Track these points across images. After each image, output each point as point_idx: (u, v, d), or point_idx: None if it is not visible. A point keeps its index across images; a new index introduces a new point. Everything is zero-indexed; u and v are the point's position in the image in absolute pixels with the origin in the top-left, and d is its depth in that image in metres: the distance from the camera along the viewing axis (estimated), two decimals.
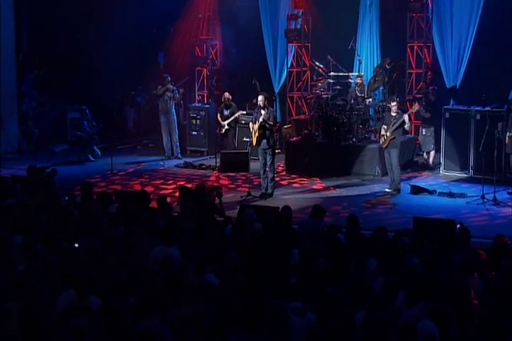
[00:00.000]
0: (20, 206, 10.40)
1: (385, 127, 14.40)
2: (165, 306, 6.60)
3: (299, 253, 8.47)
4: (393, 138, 14.29)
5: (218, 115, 17.28)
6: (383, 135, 14.43)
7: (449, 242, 9.39)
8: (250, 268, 8.00)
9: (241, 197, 13.97)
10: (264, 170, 14.22)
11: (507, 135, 14.12)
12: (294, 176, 15.90)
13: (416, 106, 15.31)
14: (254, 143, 14.32)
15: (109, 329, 5.97)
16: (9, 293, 6.58)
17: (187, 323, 6.27)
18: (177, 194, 13.22)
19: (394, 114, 14.42)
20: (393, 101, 14.67)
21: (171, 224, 9.46)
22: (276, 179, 14.79)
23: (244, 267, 8.03)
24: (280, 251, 8.49)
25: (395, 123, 14.23)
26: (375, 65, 18.06)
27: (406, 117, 14.38)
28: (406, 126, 14.47)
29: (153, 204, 11.41)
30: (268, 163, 14.16)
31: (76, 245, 8.74)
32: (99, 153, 17.78)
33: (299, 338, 6.15)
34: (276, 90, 18.85)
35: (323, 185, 15.23)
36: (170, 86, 17.72)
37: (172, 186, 14.96)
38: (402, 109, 15.14)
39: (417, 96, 17.08)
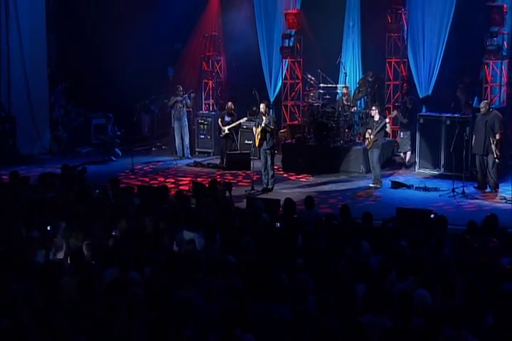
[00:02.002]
0: (61, 198, 10.61)
1: (369, 131, 14.43)
2: (196, 280, 6.81)
3: (302, 238, 8.70)
4: (376, 140, 14.37)
5: (219, 120, 17.15)
6: (367, 138, 14.47)
7: (427, 227, 9.68)
8: (262, 249, 8.18)
9: (245, 191, 14.01)
10: (265, 168, 14.25)
11: (473, 137, 14.07)
12: (290, 173, 15.90)
13: (394, 113, 15.43)
14: (256, 145, 14.36)
15: (151, 300, 6.17)
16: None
17: (215, 294, 6.45)
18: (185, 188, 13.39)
19: (376, 119, 14.49)
20: (374, 108, 14.76)
21: (193, 213, 9.69)
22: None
23: (257, 249, 8.24)
24: (288, 236, 8.68)
25: (377, 127, 14.31)
26: (359, 77, 18.06)
27: (387, 120, 14.56)
28: (387, 129, 14.63)
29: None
30: (268, 162, 14.22)
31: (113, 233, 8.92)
32: (120, 154, 17.80)
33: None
34: (272, 99, 18.70)
35: (315, 180, 15.24)
36: (179, 97, 17.74)
37: (185, 182, 14.97)
38: (383, 115, 15.22)
39: (396, 104, 17.11)
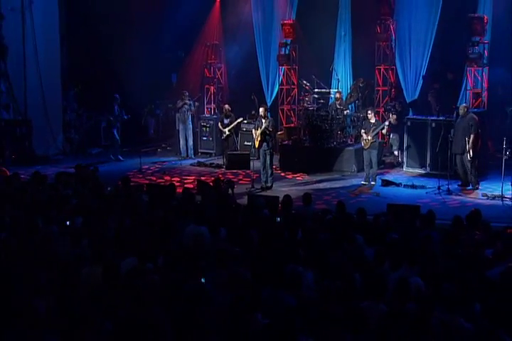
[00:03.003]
0: (77, 195, 10.68)
1: (365, 132, 14.48)
2: (206, 269, 6.89)
3: (301, 231, 8.76)
4: (374, 141, 14.43)
5: (219, 124, 17.18)
6: (365, 139, 14.46)
7: (416, 221, 9.77)
8: (266, 242, 8.27)
9: (246, 189, 14.07)
10: (264, 167, 14.31)
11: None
12: (287, 172, 15.98)
13: (394, 116, 15.56)
14: (256, 146, 14.42)
15: (165, 287, 6.25)
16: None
17: (225, 281, 6.53)
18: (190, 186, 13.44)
19: (373, 121, 14.53)
20: (370, 111, 14.82)
21: (199, 208, 9.76)
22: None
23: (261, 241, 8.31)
24: (288, 229, 8.77)
25: (375, 129, 14.36)
26: (350, 83, 18.14)
27: (386, 123, 14.66)
28: (384, 131, 14.72)
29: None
30: (267, 162, 14.29)
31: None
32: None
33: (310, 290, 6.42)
34: (269, 104, 18.70)
35: (310, 179, 15.31)
36: (187, 101, 17.78)
37: (190, 180, 15.04)
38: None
39: (388, 108, 17.15)
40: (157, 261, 7.27)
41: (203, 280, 6.46)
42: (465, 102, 15.54)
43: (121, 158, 17.66)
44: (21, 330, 4.96)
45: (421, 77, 17.39)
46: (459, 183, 14.13)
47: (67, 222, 8.29)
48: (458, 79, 16.95)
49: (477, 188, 13.88)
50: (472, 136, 13.68)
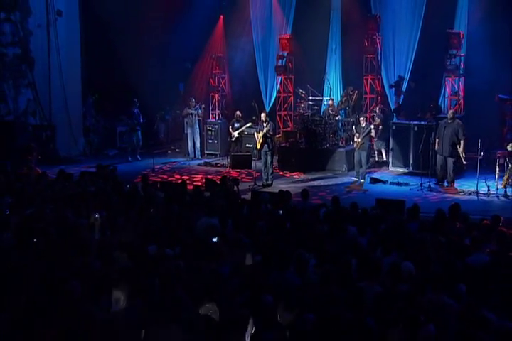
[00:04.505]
0: (99, 191, 10.80)
1: (357, 135, 14.59)
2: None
3: (302, 223, 8.89)
4: (363, 143, 14.53)
5: (230, 127, 17.23)
6: (356, 141, 14.59)
7: (402, 214, 9.93)
8: (271, 231, 8.40)
9: (249, 186, 14.13)
10: (265, 167, 14.42)
11: (437, 140, 14.13)
12: (285, 171, 16.05)
13: (377, 120, 15.70)
14: (258, 148, 14.53)
15: (184, 270, 6.39)
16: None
17: (237, 264, 6.68)
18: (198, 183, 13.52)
19: (363, 126, 14.65)
20: (362, 117, 15.01)
21: (210, 202, 9.90)
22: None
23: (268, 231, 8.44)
24: (290, 220, 8.90)
25: (363, 132, 14.52)
26: (341, 91, 18.22)
27: (372, 126, 14.80)
28: (372, 133, 14.88)
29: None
30: (268, 162, 14.41)
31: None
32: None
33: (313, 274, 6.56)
34: (267, 110, 18.65)
35: (306, 177, 15.42)
36: (193, 111, 17.78)
37: (198, 178, 15.11)
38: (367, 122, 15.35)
39: (375, 113, 17.13)
40: (174, 248, 7.42)
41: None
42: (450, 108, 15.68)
43: (139, 157, 17.58)
44: (61, 307, 5.10)
45: (404, 87, 17.58)
46: (435, 181, 14.07)
47: (96, 215, 8.40)
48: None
49: (452, 185, 13.93)
50: (462, 142, 13.68)
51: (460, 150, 13.70)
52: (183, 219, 8.98)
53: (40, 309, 4.74)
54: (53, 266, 5.86)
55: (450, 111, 14.30)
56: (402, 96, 17.58)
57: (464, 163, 13.88)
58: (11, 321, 4.45)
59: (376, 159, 16.80)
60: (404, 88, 17.51)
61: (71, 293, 5.00)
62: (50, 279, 5.29)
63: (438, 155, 14.10)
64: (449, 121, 13.91)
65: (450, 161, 13.88)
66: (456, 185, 13.98)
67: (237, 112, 17.47)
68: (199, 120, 18.15)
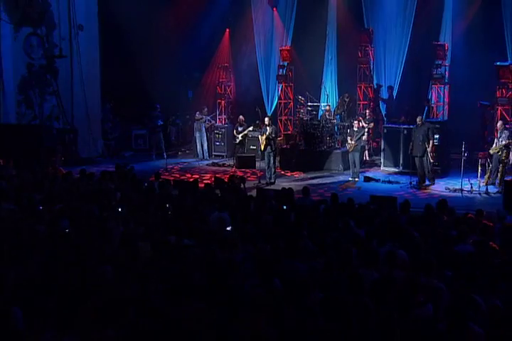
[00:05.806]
0: (119, 189, 10.89)
1: (350, 138, 14.70)
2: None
3: (304, 216, 8.94)
4: (356, 145, 14.64)
5: (234, 131, 17.36)
6: (349, 143, 14.71)
7: (395, 209, 10.03)
8: (277, 224, 8.49)
9: (254, 184, 14.21)
10: (268, 166, 14.52)
11: (411, 143, 13.99)
12: (286, 171, 16.15)
13: (371, 124, 15.80)
14: (262, 149, 14.63)
15: (202, 259, 6.47)
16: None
17: (251, 255, 6.79)
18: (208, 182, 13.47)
19: (356, 129, 14.78)
20: (356, 121, 15.11)
21: (219, 199, 10.01)
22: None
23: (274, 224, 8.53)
24: (295, 215, 9.01)
25: (357, 135, 14.64)
26: (337, 98, 18.30)
27: (366, 130, 14.91)
28: (364, 137, 14.98)
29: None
30: (271, 162, 14.52)
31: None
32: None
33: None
34: (269, 115, 18.96)
35: (305, 176, 15.54)
36: (204, 118, 18.01)
37: (207, 177, 15.19)
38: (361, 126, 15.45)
39: (367, 118, 17.21)
40: (191, 239, 7.53)
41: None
42: (430, 114, 15.81)
43: (165, 155, 17.26)
44: (94, 290, 5.23)
45: (394, 94, 17.72)
46: (418, 181, 13.88)
47: (119, 209, 8.51)
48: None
49: (433, 183, 13.91)
50: (431, 142, 13.73)
51: (429, 149, 13.71)
52: (197, 213, 9.07)
53: (77, 291, 4.86)
54: (84, 253, 5.98)
55: (418, 117, 14.13)
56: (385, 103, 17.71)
57: (431, 161, 13.78)
58: (59, 303, 4.55)
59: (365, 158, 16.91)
60: (384, 95, 17.61)
61: (104, 276, 5.13)
62: (83, 264, 5.42)
63: (415, 158, 14.05)
64: (419, 125, 13.92)
65: (424, 160, 13.84)
66: (441, 183, 14.01)
67: (240, 117, 17.57)
68: (206, 126, 18.26)
